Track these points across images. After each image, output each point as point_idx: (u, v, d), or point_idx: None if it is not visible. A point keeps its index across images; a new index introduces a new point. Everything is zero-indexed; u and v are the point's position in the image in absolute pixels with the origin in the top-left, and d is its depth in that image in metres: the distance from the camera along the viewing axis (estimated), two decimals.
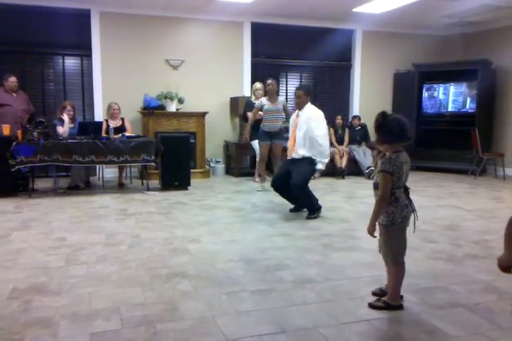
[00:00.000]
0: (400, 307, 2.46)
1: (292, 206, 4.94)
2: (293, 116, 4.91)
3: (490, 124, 8.29)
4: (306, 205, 4.78)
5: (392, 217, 2.40)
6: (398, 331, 2.21)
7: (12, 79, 6.26)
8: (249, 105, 6.97)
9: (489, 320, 2.33)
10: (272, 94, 6.22)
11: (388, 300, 2.46)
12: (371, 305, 2.47)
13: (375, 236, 2.42)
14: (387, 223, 2.42)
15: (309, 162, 4.62)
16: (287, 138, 5.19)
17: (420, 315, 2.39)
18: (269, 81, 6.23)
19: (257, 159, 7.01)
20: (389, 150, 2.39)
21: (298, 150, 4.66)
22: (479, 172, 7.67)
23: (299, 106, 4.78)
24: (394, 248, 2.45)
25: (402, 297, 2.52)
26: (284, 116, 6.25)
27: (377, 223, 2.42)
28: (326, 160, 4.68)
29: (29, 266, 3.11)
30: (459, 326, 2.26)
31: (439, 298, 2.61)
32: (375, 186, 2.43)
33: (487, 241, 3.79)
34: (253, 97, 7.06)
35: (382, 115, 2.39)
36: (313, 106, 4.78)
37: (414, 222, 2.48)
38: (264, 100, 6.28)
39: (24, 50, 7.05)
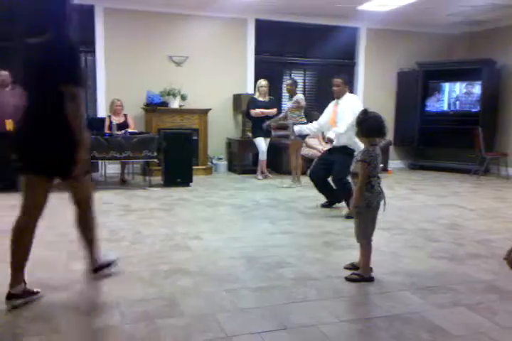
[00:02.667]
0: (372, 279, 2.81)
1: (324, 200, 4.95)
2: (331, 105, 4.84)
3: (493, 124, 8.26)
4: (346, 201, 4.55)
5: (368, 202, 2.76)
6: (399, 329, 2.20)
7: (3, 74, 6.18)
8: (252, 102, 6.96)
9: (491, 319, 2.32)
10: (290, 94, 6.54)
11: (362, 273, 2.83)
12: (347, 279, 2.81)
13: (356, 207, 2.78)
14: (362, 207, 2.78)
15: (348, 152, 4.42)
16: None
17: (422, 313, 2.38)
18: (288, 81, 6.64)
19: (260, 156, 7.00)
20: (366, 143, 2.79)
21: (339, 139, 4.57)
22: (482, 172, 7.64)
23: (338, 94, 4.70)
24: (366, 229, 2.81)
25: (371, 268, 2.86)
26: (297, 114, 6.37)
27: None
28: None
29: (31, 260, 3.08)
30: (460, 325, 2.26)
31: (441, 297, 2.61)
32: (353, 175, 2.82)
33: (490, 241, 3.78)
34: (257, 94, 7.04)
35: (364, 112, 2.80)
36: (353, 95, 4.72)
37: (385, 203, 2.85)
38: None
39: None
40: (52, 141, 2.30)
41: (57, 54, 2.25)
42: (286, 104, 6.83)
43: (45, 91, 2.28)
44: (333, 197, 4.92)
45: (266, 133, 6.96)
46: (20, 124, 2.39)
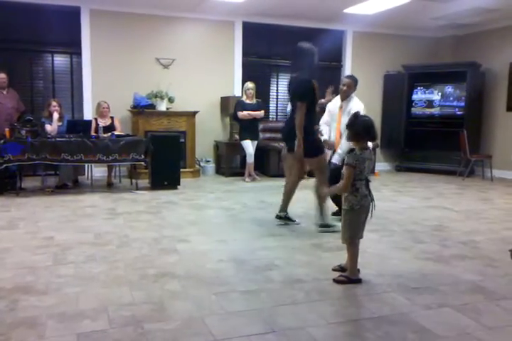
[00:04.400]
0: (359, 280, 2.83)
1: (335, 209, 4.48)
2: (333, 106, 4.59)
3: (478, 126, 8.37)
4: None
5: (352, 204, 2.79)
6: (387, 331, 2.22)
7: (1, 76, 6.19)
8: (240, 105, 6.97)
9: (476, 320, 2.35)
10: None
11: (349, 275, 2.85)
12: (335, 281, 2.84)
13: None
14: (347, 208, 2.82)
15: None
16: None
17: (409, 315, 2.40)
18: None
19: (247, 159, 7.01)
20: (356, 146, 2.80)
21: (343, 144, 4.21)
22: (467, 174, 7.74)
23: (344, 95, 4.46)
24: (350, 230, 2.83)
25: (358, 270, 2.89)
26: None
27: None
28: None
29: (16, 265, 3.07)
30: (446, 326, 2.28)
31: (427, 298, 2.63)
32: (342, 176, 2.84)
33: (475, 242, 3.82)
34: (244, 97, 7.06)
35: (354, 116, 2.83)
36: (357, 99, 4.44)
37: (372, 211, 2.86)
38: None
39: (13, 48, 6.97)
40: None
41: (295, 80, 4.04)
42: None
43: (293, 103, 4.06)
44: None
45: (253, 136, 6.98)
46: (286, 124, 4.27)
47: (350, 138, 2.83)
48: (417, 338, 2.15)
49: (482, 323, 2.31)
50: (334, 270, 3.01)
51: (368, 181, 2.83)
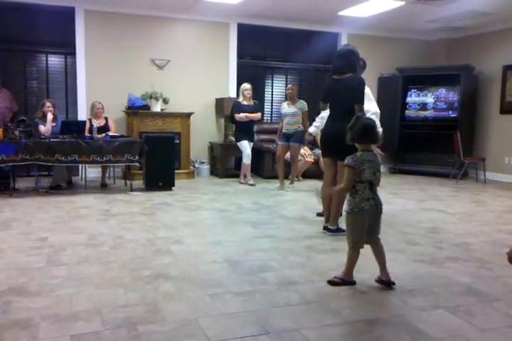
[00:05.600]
0: (353, 282, 2.84)
1: (321, 210, 4.57)
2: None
3: (472, 128, 8.42)
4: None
5: (352, 207, 2.78)
6: (381, 332, 2.22)
7: None
8: (237, 106, 6.94)
9: (469, 321, 2.36)
10: (291, 98, 6.43)
11: (344, 277, 2.84)
12: (329, 282, 2.84)
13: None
14: (347, 211, 2.82)
15: None
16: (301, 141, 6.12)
17: (403, 316, 2.41)
18: (289, 85, 6.50)
19: (244, 160, 6.97)
20: (358, 147, 2.82)
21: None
22: (461, 176, 7.78)
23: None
24: (353, 234, 2.80)
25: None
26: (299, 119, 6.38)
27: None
28: None
29: (9, 266, 3.05)
30: (440, 328, 2.29)
31: (421, 299, 2.64)
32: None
33: (468, 244, 3.84)
34: (241, 98, 7.01)
35: (356, 118, 2.85)
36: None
37: (376, 215, 2.81)
38: (284, 104, 6.56)
39: (6, 48, 6.94)
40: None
41: (355, 83, 3.92)
42: (285, 108, 6.46)
43: (348, 104, 3.88)
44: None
45: (249, 137, 6.97)
46: (334, 128, 3.90)
47: (351, 140, 2.84)
48: (411, 340, 2.16)
49: (475, 325, 2.32)
50: (376, 281, 2.86)
51: (372, 184, 2.78)
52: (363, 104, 3.87)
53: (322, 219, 4.35)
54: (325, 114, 4.81)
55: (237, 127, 7.04)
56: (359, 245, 2.81)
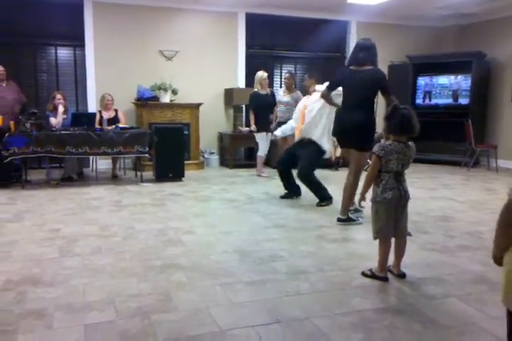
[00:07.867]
0: (385, 278, 2.74)
1: (283, 192, 5.14)
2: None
3: (483, 116, 8.32)
4: (314, 193, 4.83)
5: (375, 196, 2.74)
6: (391, 321, 2.23)
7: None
8: (255, 97, 6.70)
9: (480, 310, 2.36)
10: (287, 87, 6.55)
11: (375, 271, 2.78)
12: (362, 273, 2.81)
13: (362, 207, 2.97)
14: (371, 200, 2.78)
15: (316, 149, 4.80)
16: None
17: (414, 305, 2.41)
18: (287, 74, 6.61)
19: (258, 152, 6.87)
20: (392, 138, 2.71)
21: (313, 132, 4.84)
22: (472, 164, 7.71)
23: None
24: (377, 224, 2.75)
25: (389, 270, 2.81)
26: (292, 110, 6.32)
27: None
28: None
29: (22, 257, 3.10)
30: (451, 316, 2.29)
31: (432, 288, 2.64)
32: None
33: (479, 233, 3.82)
34: (258, 86, 6.72)
35: (393, 108, 2.71)
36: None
37: (402, 205, 2.76)
38: (280, 91, 6.68)
39: (16, 41, 6.96)
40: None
41: (380, 75, 4.04)
42: (280, 96, 6.66)
43: (366, 95, 4.00)
44: (292, 189, 5.14)
45: (266, 128, 6.80)
46: (344, 115, 4.10)
47: (386, 130, 2.74)
48: (422, 328, 2.17)
49: (486, 313, 2.32)
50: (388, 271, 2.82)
51: (398, 174, 2.71)
52: (391, 94, 3.95)
53: (331, 207, 4.35)
54: (295, 124, 5.22)
55: (256, 117, 6.81)
56: (383, 237, 2.74)
